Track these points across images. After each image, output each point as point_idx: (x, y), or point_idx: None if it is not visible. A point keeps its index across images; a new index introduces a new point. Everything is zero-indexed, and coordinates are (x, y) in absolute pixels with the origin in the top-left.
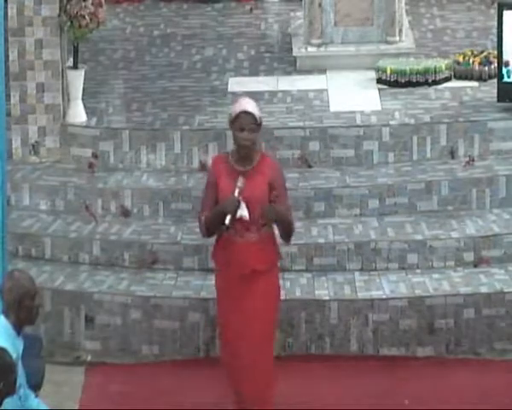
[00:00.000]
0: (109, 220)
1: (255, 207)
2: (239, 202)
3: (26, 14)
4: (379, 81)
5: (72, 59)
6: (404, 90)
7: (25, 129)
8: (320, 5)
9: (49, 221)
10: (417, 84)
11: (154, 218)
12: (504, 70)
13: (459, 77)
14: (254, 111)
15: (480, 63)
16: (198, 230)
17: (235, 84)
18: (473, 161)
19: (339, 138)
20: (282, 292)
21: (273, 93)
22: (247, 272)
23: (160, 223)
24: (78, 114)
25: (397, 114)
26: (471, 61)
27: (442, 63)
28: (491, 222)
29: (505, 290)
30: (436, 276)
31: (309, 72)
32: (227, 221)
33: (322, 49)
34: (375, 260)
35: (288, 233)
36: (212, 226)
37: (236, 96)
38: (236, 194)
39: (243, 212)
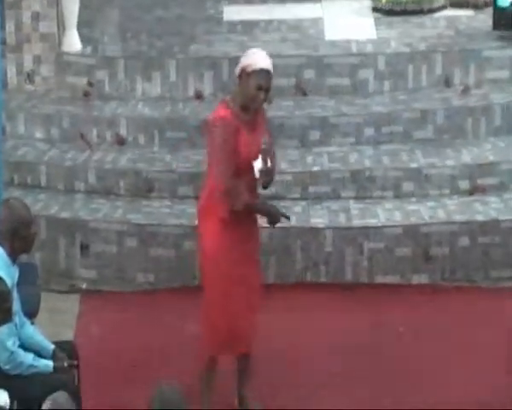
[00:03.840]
0: (104, 149)
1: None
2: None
3: None
4: (374, 10)
5: None
6: (399, 18)
7: (20, 58)
8: None
9: (44, 150)
10: (413, 12)
11: (149, 146)
12: None
13: (455, 5)
14: (271, 68)
15: None
16: (193, 158)
17: (231, 12)
18: (468, 89)
19: (334, 67)
20: None
21: (268, 22)
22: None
23: (156, 151)
24: (73, 42)
25: (392, 43)
26: None
27: None
28: (487, 150)
29: (500, 218)
30: (431, 204)
31: (304, 0)
32: (257, 174)
33: None
34: (370, 189)
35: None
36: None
37: (234, 26)
38: (260, 154)
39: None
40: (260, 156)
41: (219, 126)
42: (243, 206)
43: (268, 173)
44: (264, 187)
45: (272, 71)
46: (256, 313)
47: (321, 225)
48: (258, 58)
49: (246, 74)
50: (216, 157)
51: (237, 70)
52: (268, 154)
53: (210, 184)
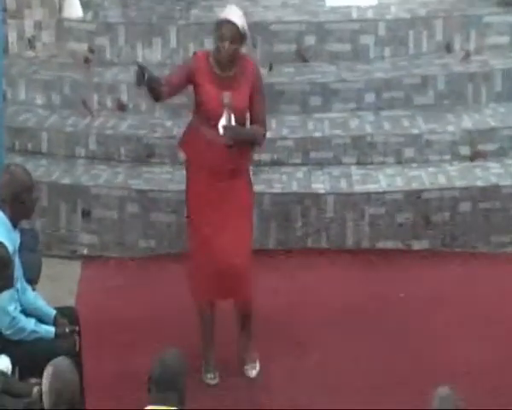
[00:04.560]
0: (105, 115)
1: (236, 114)
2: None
3: None
4: None
5: None
6: None
7: (20, 24)
8: None
9: (45, 115)
10: None
11: (150, 112)
12: None
13: None
14: (238, 21)
15: None
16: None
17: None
18: (469, 55)
19: (335, 33)
20: (279, 186)
21: None
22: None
23: (157, 117)
24: (73, 8)
25: (393, 9)
26: None
27: None
28: (488, 116)
29: (501, 184)
30: (432, 170)
31: None
32: (221, 130)
33: None
34: (371, 154)
35: (252, 148)
36: (152, 92)
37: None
38: (225, 111)
39: (231, 123)
40: (224, 114)
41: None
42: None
43: (230, 130)
44: (228, 145)
45: (241, 24)
46: (241, 260)
47: (322, 191)
48: (224, 12)
49: (215, 29)
50: None
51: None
52: (231, 111)
53: None
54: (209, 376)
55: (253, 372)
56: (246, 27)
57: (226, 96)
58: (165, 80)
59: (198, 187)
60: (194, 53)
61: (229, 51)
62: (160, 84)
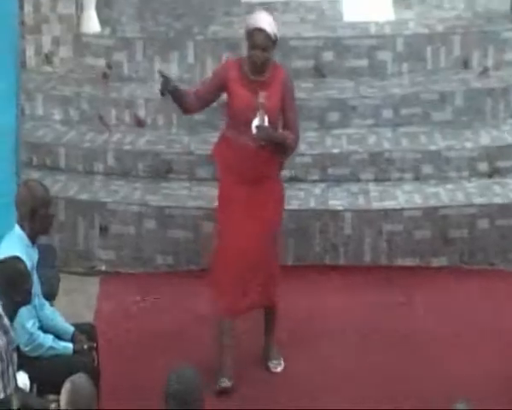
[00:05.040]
0: (123, 130)
1: (269, 116)
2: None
3: None
4: None
5: None
6: (417, 0)
7: (38, 39)
8: None
9: (63, 131)
10: None
11: (167, 128)
12: None
13: None
14: (268, 28)
15: None
16: (212, 139)
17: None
18: (486, 71)
19: (353, 48)
20: (296, 202)
21: (286, 3)
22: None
23: (174, 133)
24: (91, 23)
25: (411, 24)
26: None
27: None
28: (506, 132)
29: None
30: (450, 186)
31: None
32: (254, 130)
33: None
34: (389, 171)
35: (284, 153)
36: (179, 103)
37: (252, 7)
38: (258, 112)
39: (264, 123)
40: (258, 114)
41: (219, 64)
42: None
43: (263, 130)
44: (261, 144)
45: (272, 31)
46: (269, 263)
47: (340, 208)
48: (254, 19)
49: (246, 37)
50: None
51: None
52: (264, 112)
53: None
54: (223, 380)
55: (278, 369)
56: (276, 33)
57: (261, 96)
58: (193, 93)
59: (229, 192)
60: (225, 61)
61: (262, 59)
62: (185, 95)
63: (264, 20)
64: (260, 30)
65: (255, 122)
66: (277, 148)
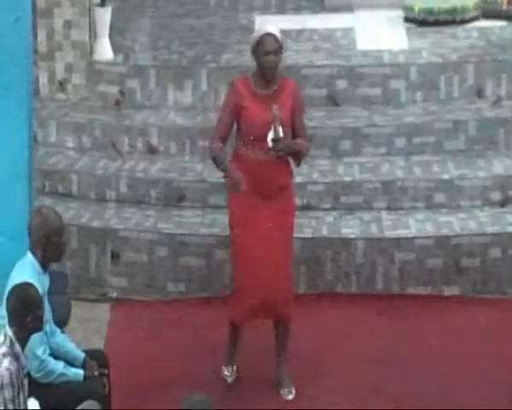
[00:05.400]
0: (136, 158)
1: (282, 128)
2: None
3: None
4: (406, 20)
5: None
6: (431, 28)
7: (52, 66)
8: None
9: (75, 158)
10: (445, 23)
11: (180, 155)
12: None
13: (487, 16)
14: (276, 32)
15: (508, 2)
16: None
17: (262, 22)
18: (500, 100)
19: (366, 77)
20: (309, 230)
21: (300, 31)
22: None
23: (187, 160)
24: (104, 51)
25: (424, 53)
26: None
27: (470, 2)
28: None
29: None
30: (463, 215)
31: (336, 10)
32: (270, 144)
33: None
34: (401, 199)
35: (299, 160)
36: (216, 163)
37: None
38: (275, 122)
39: (280, 134)
40: (272, 126)
41: (227, 90)
42: (212, 159)
43: (280, 142)
44: (278, 155)
45: (279, 35)
46: (283, 281)
47: (352, 236)
48: (260, 28)
49: (255, 48)
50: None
51: (250, 49)
52: (278, 123)
53: None
54: (226, 370)
55: (289, 397)
56: (282, 41)
57: (274, 108)
58: (220, 141)
59: (242, 208)
60: (232, 83)
61: (274, 64)
62: (225, 154)
63: (270, 27)
64: (269, 34)
65: (270, 135)
66: (293, 157)
